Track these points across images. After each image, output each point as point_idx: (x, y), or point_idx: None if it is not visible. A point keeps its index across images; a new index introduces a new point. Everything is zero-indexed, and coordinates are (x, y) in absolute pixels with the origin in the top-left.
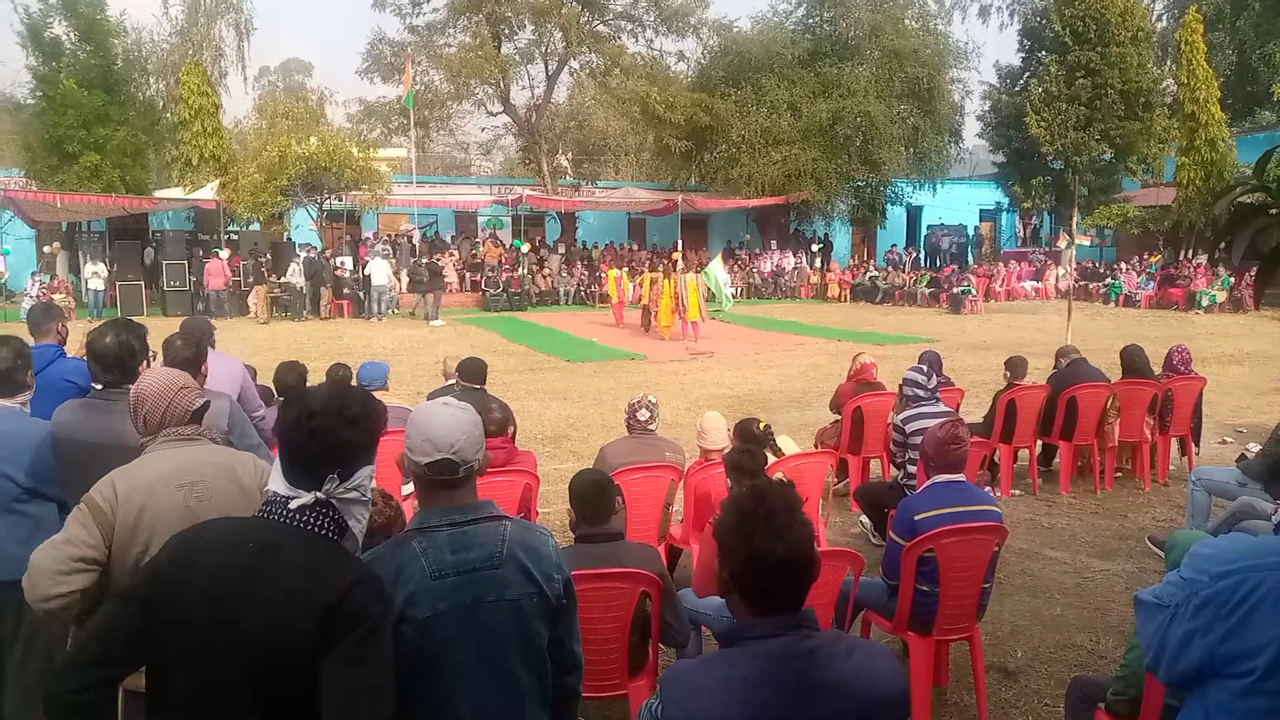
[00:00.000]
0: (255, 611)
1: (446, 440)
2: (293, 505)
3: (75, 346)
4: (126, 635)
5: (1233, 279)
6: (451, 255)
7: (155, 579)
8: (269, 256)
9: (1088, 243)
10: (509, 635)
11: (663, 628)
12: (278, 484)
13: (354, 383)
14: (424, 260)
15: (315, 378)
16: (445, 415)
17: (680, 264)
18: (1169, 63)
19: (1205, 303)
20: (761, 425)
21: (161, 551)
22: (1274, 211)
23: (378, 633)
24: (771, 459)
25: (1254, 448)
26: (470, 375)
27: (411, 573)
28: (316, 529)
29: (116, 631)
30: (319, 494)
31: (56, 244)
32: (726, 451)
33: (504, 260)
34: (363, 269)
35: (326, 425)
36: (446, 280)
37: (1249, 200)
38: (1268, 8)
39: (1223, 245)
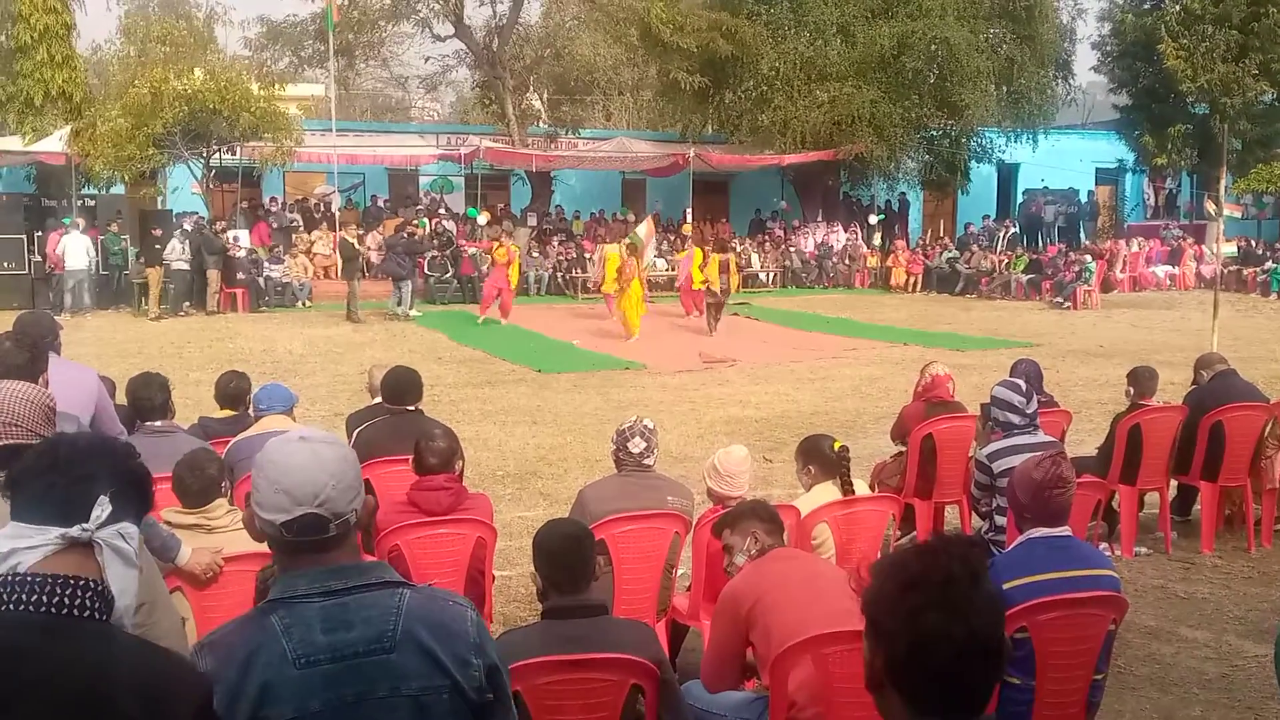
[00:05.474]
0: None
1: (309, 490)
2: (31, 551)
3: None
4: None
5: None
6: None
7: None
8: (160, 231)
9: (1239, 214)
10: None
11: None
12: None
13: (250, 408)
14: (402, 239)
15: (192, 391)
16: (304, 455)
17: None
18: None
19: None
20: (836, 445)
21: None
22: None
23: None
24: (837, 495)
25: None
26: (395, 394)
27: (268, 658)
28: (76, 612)
29: None
30: (84, 527)
31: None
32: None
33: (457, 235)
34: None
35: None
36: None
37: None
38: None
39: None
